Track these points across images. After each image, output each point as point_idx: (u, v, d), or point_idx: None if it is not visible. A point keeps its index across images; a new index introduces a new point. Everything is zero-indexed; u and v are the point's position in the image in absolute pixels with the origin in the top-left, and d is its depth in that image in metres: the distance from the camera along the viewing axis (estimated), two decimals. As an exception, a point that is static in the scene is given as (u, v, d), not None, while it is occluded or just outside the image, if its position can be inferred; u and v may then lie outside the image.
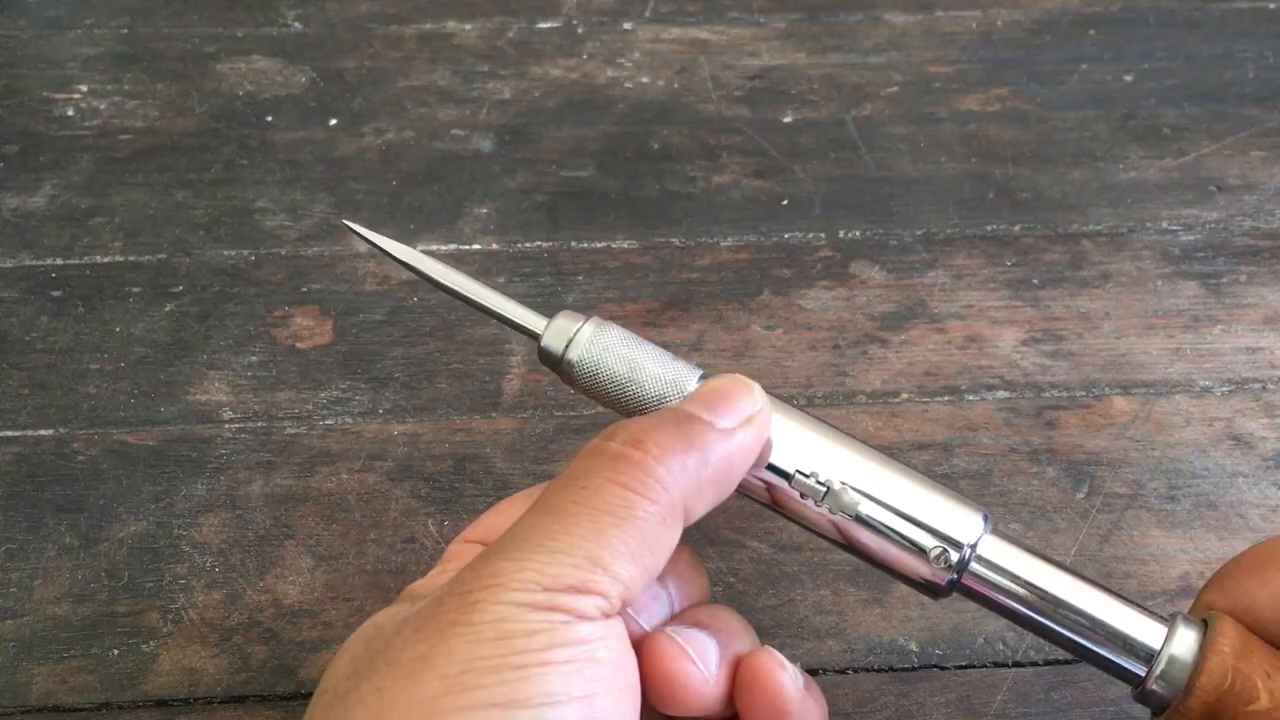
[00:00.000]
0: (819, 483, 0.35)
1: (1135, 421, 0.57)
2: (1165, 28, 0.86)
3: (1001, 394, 0.59)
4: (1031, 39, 0.85)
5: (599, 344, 0.37)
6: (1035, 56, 0.83)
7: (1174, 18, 0.87)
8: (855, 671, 0.48)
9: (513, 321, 0.38)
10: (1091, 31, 0.86)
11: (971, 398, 0.59)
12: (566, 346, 0.37)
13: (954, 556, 0.35)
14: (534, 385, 0.59)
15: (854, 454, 0.36)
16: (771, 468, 0.36)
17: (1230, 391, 0.59)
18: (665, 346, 0.61)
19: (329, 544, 0.52)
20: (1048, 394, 0.59)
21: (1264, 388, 0.59)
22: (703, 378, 0.38)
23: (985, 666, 0.48)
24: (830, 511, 0.35)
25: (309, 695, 0.47)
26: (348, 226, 0.40)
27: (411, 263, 0.39)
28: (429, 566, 0.51)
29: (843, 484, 0.35)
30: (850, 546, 0.36)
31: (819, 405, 0.58)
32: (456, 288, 0.39)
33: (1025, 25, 0.87)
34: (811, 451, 0.36)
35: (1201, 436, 0.57)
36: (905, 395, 0.59)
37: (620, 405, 0.38)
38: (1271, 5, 0.89)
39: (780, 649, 0.48)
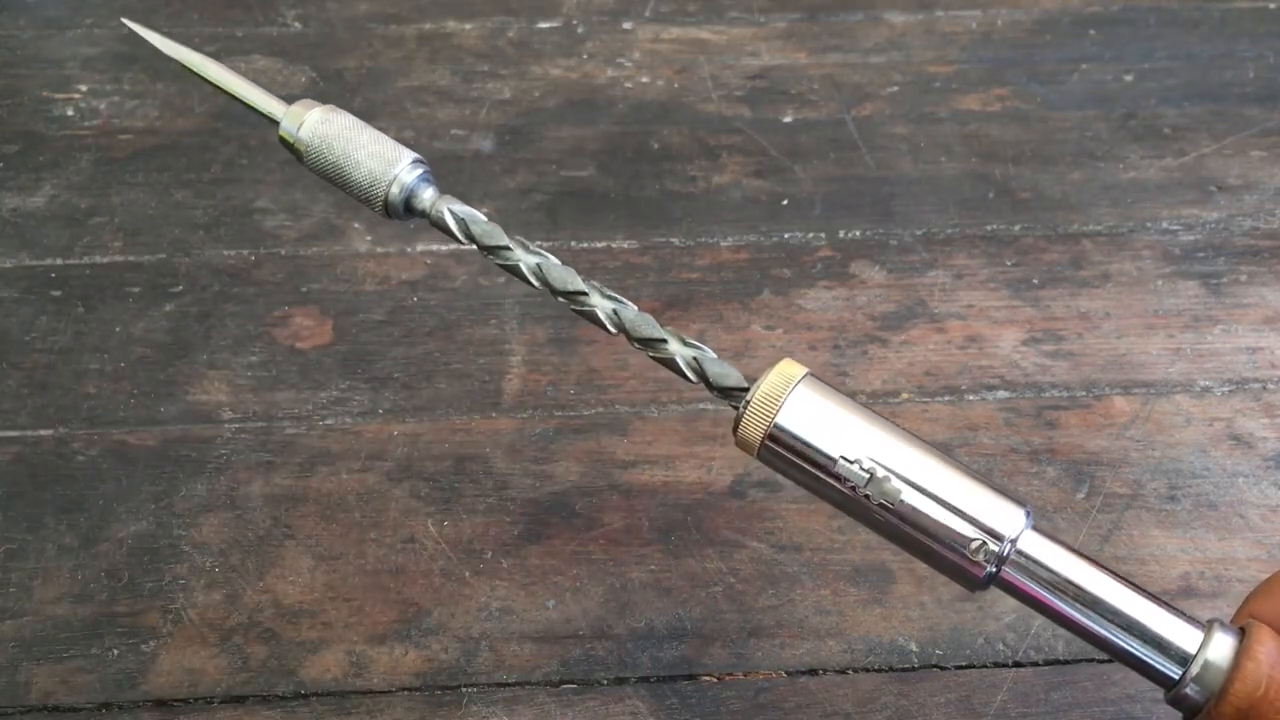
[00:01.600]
0: (862, 469, 0.35)
1: (1135, 421, 0.57)
2: (1165, 28, 0.86)
3: (1002, 394, 0.59)
4: (1032, 39, 0.85)
5: (323, 129, 0.39)
6: (1035, 56, 0.83)
7: (1174, 18, 0.87)
8: (855, 671, 0.48)
9: (259, 109, 0.41)
10: (1092, 31, 0.86)
11: (972, 398, 0.59)
12: (298, 129, 0.40)
13: (994, 549, 0.35)
14: (534, 385, 0.59)
15: (899, 442, 0.36)
16: (815, 452, 0.36)
17: (1230, 391, 0.59)
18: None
19: (329, 544, 0.52)
20: (1048, 394, 0.59)
21: (1264, 388, 0.59)
22: (416, 161, 0.39)
23: (985, 666, 0.48)
24: (872, 499, 0.35)
25: (309, 695, 0.47)
26: (126, 24, 0.44)
27: (182, 59, 0.42)
28: (429, 566, 0.51)
29: (886, 471, 0.35)
30: (891, 534, 0.36)
31: (819, 405, 0.58)
32: (214, 79, 0.42)
33: (1025, 25, 0.87)
34: (856, 437, 0.35)
35: (1202, 436, 0.57)
36: (905, 395, 0.59)
37: (345, 188, 0.39)
38: (1272, 5, 0.89)
39: (780, 649, 0.48)
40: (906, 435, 0.36)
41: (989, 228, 0.69)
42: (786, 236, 0.68)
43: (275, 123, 0.40)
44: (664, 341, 0.37)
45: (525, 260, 0.38)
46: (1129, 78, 0.81)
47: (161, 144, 0.76)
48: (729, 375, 0.37)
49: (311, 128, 0.39)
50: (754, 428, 0.36)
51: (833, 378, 0.60)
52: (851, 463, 0.35)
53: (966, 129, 0.77)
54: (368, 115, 0.77)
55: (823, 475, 0.36)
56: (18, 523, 0.53)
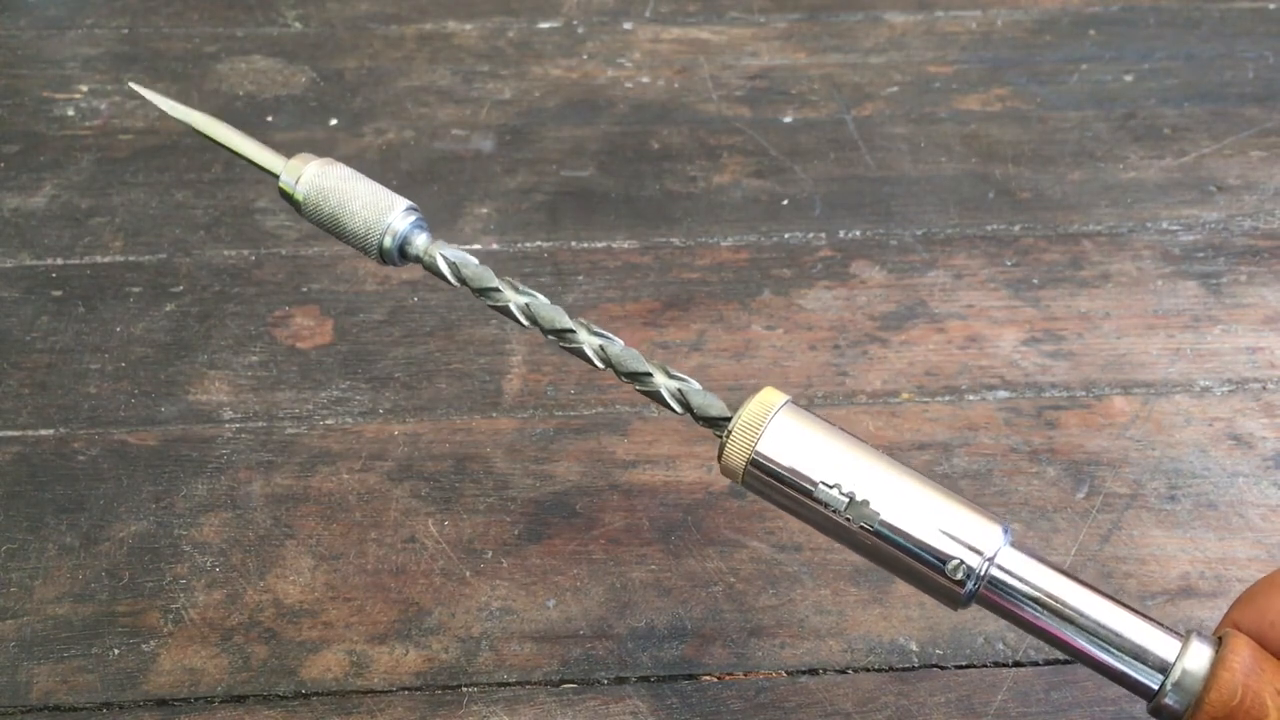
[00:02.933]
0: (841, 493, 0.36)
1: (1135, 421, 0.57)
2: (1165, 28, 0.86)
3: (1002, 394, 0.59)
4: (1031, 39, 0.85)
5: (319, 181, 0.41)
6: (1035, 56, 0.83)
7: (1174, 18, 0.87)
8: (855, 671, 0.48)
9: (259, 165, 0.42)
10: (1091, 31, 0.86)
11: (972, 398, 0.59)
12: (296, 183, 0.41)
13: (973, 568, 0.35)
14: (534, 385, 0.59)
15: (878, 465, 0.36)
16: (796, 477, 0.36)
17: (1230, 391, 0.59)
18: (665, 346, 0.62)
19: (329, 544, 0.52)
20: (1048, 394, 0.59)
21: (1264, 388, 0.59)
22: (409, 209, 0.40)
23: (985, 666, 0.48)
24: (852, 522, 0.36)
25: (310, 695, 0.47)
26: (134, 88, 0.44)
27: (187, 120, 0.42)
28: (430, 566, 0.51)
29: (865, 495, 0.36)
30: (872, 555, 0.37)
31: (819, 405, 0.58)
32: (218, 138, 0.42)
33: (1025, 25, 0.87)
34: (835, 462, 0.36)
35: (1201, 436, 0.57)
36: (906, 395, 0.59)
37: (342, 237, 0.41)
38: (1271, 5, 0.89)
39: (780, 649, 0.48)
40: (885, 458, 0.37)
41: (989, 228, 0.69)
42: (786, 236, 0.68)
43: (275, 176, 0.41)
44: (649, 375, 0.39)
45: (515, 300, 0.40)
46: (1129, 78, 0.81)
47: (162, 144, 0.76)
48: (712, 405, 0.38)
49: (309, 181, 0.41)
50: (737, 455, 0.37)
51: (833, 377, 0.60)
52: (831, 487, 0.36)
53: (966, 129, 0.77)
54: (368, 115, 0.78)
55: (804, 499, 0.37)
56: (18, 522, 0.53)
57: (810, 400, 0.59)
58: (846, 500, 0.36)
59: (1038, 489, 0.54)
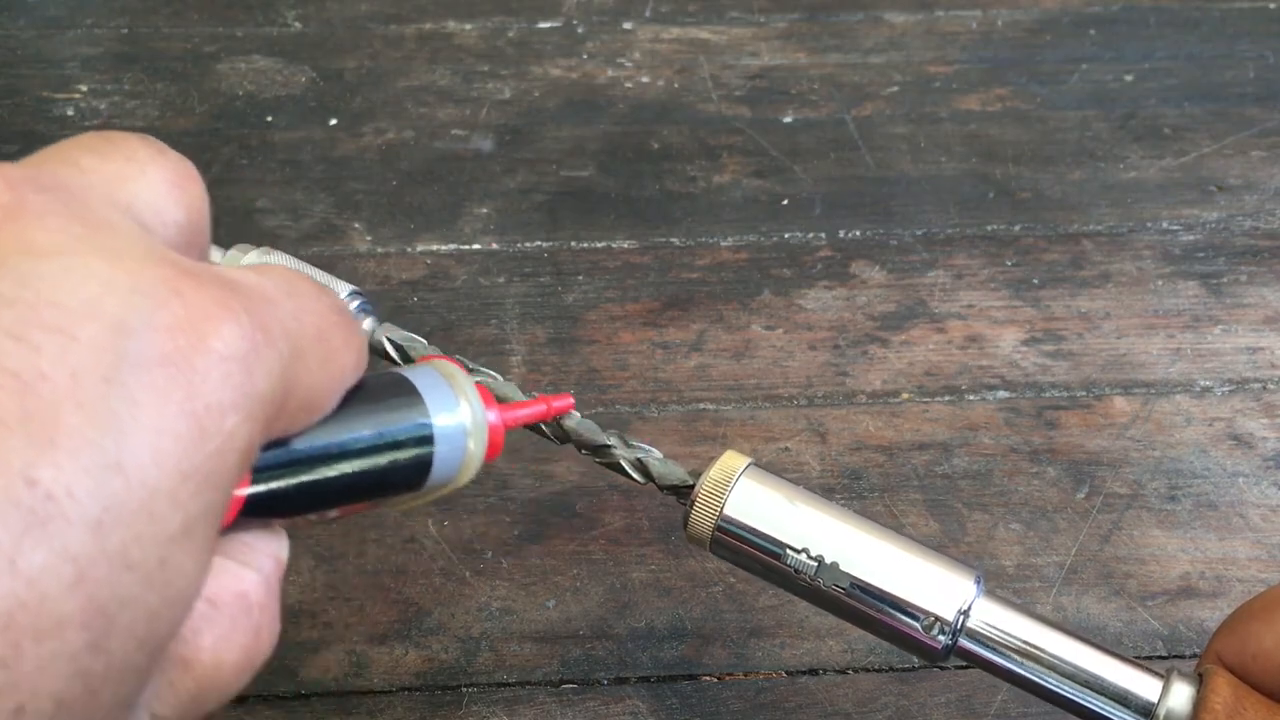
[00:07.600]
0: (811, 557, 0.36)
1: (1135, 421, 0.57)
2: (1166, 28, 0.86)
3: (1002, 394, 0.59)
4: (1031, 39, 0.85)
5: None
6: (1035, 56, 0.83)
7: (1174, 18, 0.87)
8: (855, 671, 0.48)
9: None
10: (1092, 31, 0.86)
11: (972, 398, 0.59)
12: None
13: (948, 622, 0.35)
14: (534, 385, 0.59)
15: (845, 525, 0.37)
16: (765, 541, 0.37)
17: (1231, 391, 0.59)
18: (665, 346, 0.62)
19: (329, 544, 0.52)
20: (1048, 394, 0.59)
21: (1264, 388, 0.59)
22: (353, 292, 0.39)
23: (985, 666, 0.48)
24: (824, 585, 0.36)
25: (309, 695, 0.47)
26: None
27: None
28: (429, 566, 0.51)
29: (834, 557, 0.36)
30: (846, 615, 0.37)
31: (819, 405, 0.58)
32: None
33: (1025, 25, 0.87)
34: (802, 525, 0.36)
35: (1202, 436, 0.57)
36: (906, 395, 0.59)
37: None
38: (1271, 5, 0.89)
39: (780, 650, 0.48)
40: (852, 516, 0.37)
41: (989, 228, 0.69)
42: (786, 236, 0.68)
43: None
44: (609, 447, 0.39)
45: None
46: (1129, 78, 0.81)
47: (162, 144, 0.75)
48: (673, 473, 0.38)
49: None
50: (702, 523, 0.37)
51: (833, 377, 0.60)
52: (799, 551, 0.36)
53: (966, 129, 0.77)
54: (368, 115, 0.78)
55: (775, 564, 0.37)
56: (18, 523, 0.53)
57: (810, 400, 0.59)
58: (816, 564, 0.36)
59: (1038, 489, 0.54)
